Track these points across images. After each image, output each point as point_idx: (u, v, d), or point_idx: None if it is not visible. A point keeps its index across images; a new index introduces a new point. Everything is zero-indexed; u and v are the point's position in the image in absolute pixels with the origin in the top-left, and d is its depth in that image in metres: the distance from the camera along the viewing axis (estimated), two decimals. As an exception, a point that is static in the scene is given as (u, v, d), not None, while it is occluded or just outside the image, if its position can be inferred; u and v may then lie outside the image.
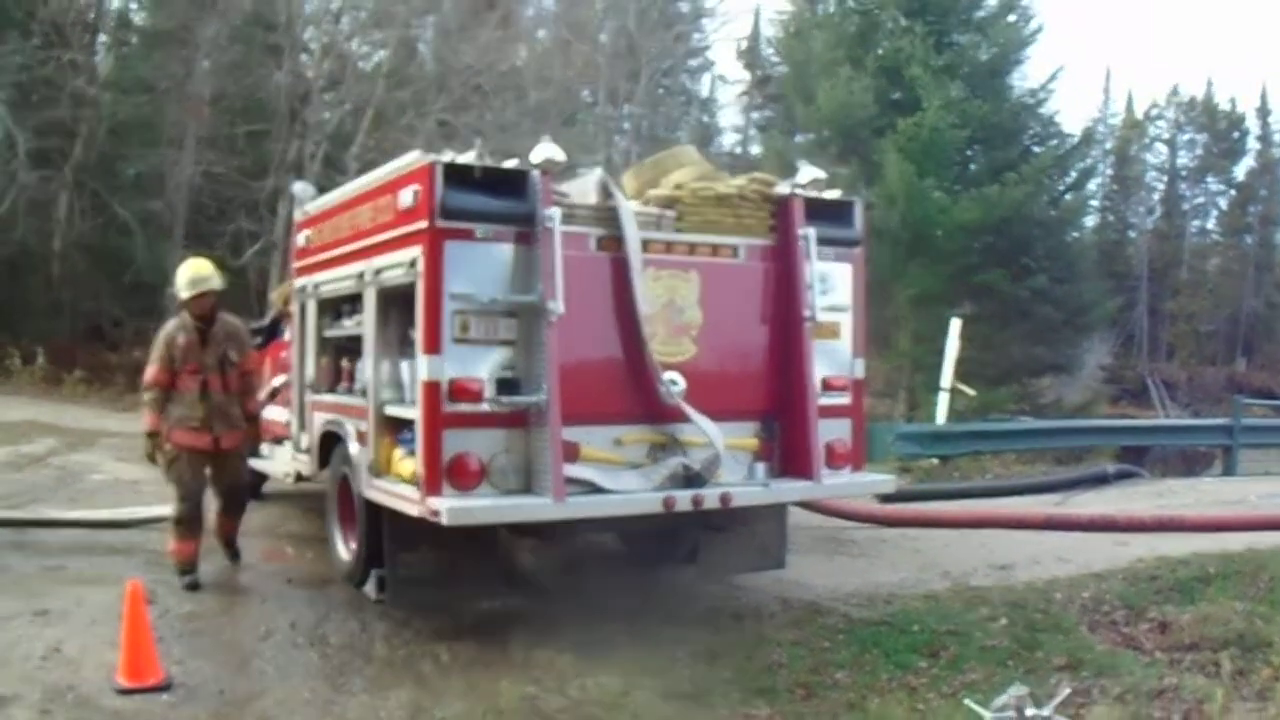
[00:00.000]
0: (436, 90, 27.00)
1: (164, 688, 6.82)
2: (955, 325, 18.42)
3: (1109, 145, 68.47)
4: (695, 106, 47.91)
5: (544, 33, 33.30)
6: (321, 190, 11.21)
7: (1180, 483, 18.76)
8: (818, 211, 8.78)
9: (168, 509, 9.29)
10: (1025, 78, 28.91)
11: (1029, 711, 5.33)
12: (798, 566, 10.19)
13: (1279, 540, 12.39)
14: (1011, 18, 28.27)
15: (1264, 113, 70.22)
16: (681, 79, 44.70)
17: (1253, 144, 70.22)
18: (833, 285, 8.87)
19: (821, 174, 8.97)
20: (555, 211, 7.48)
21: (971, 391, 18.68)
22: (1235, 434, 20.61)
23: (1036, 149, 27.69)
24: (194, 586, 8.93)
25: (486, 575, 8.47)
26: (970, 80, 26.29)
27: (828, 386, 8.81)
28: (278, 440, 11.08)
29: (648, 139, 32.29)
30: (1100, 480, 17.13)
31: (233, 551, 9.78)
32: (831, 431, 8.79)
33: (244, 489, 9.89)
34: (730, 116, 52.84)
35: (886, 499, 13.32)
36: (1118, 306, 40.86)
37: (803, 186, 8.80)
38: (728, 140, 50.69)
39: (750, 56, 48.76)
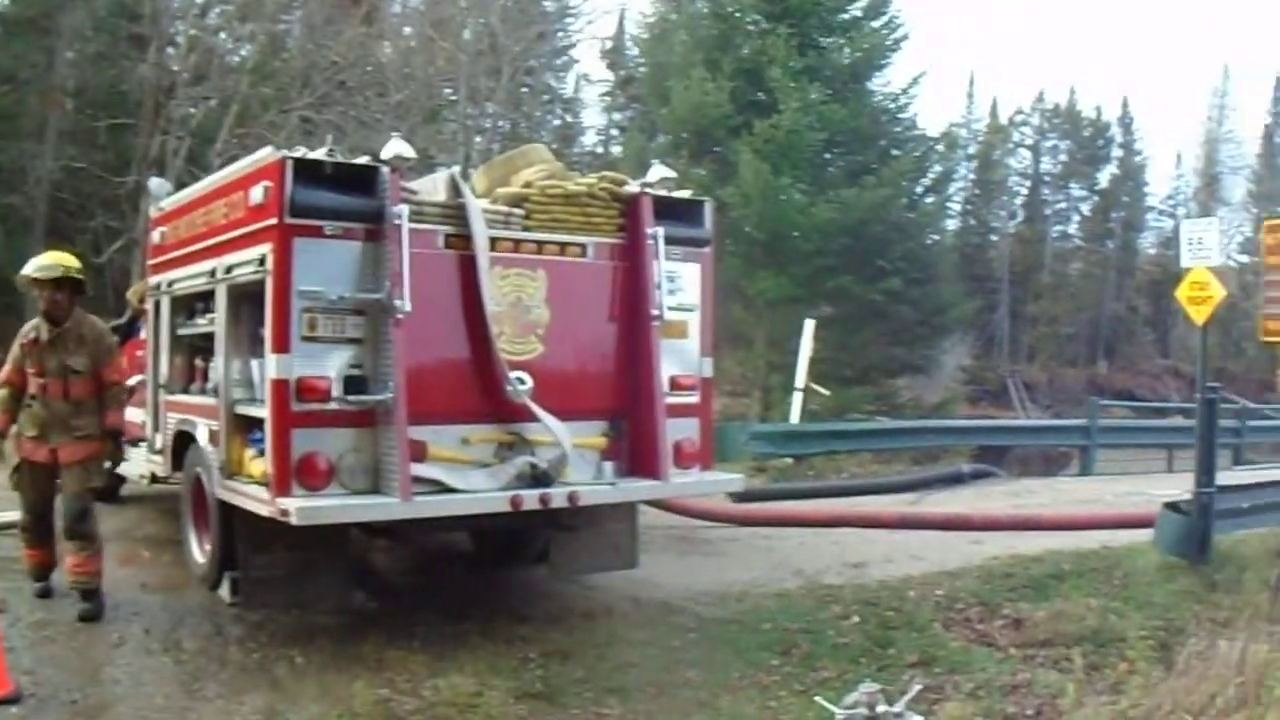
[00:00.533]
0: (301, 86, 26.66)
1: (13, 700, 6.73)
2: (809, 326, 18.71)
3: (972, 150, 69.65)
4: (558, 106, 47.82)
5: (409, 30, 33.08)
6: (181, 187, 11.16)
7: (1037, 482, 19.27)
8: (667, 211, 8.92)
9: (16, 515, 8.94)
10: (888, 82, 29.31)
11: (880, 708, 5.39)
12: (650, 565, 10.23)
13: (1133, 538, 12.71)
14: (876, 23, 28.69)
15: (1126, 120, 72.11)
16: (545, 78, 44.58)
17: (1116, 151, 71.96)
18: (681, 284, 9.00)
19: (671, 173, 9.10)
20: (403, 209, 7.56)
21: (826, 391, 18.94)
22: (1092, 435, 21.11)
23: (896, 152, 28.12)
24: (46, 594, 8.62)
25: (339, 576, 8.45)
26: (831, 83, 26.70)
27: (676, 385, 8.94)
28: (134, 442, 10.87)
29: (509, 137, 32.20)
30: (956, 480, 17.44)
31: (89, 605, 8.38)
32: (680, 430, 8.91)
33: (85, 516, 8.48)
34: (593, 116, 52.77)
35: (741, 498, 13.52)
36: (978, 309, 41.53)
37: (652, 186, 8.93)
38: (590, 140, 50.74)
39: (614, 56, 48.79)
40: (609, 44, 48.85)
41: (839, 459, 18.75)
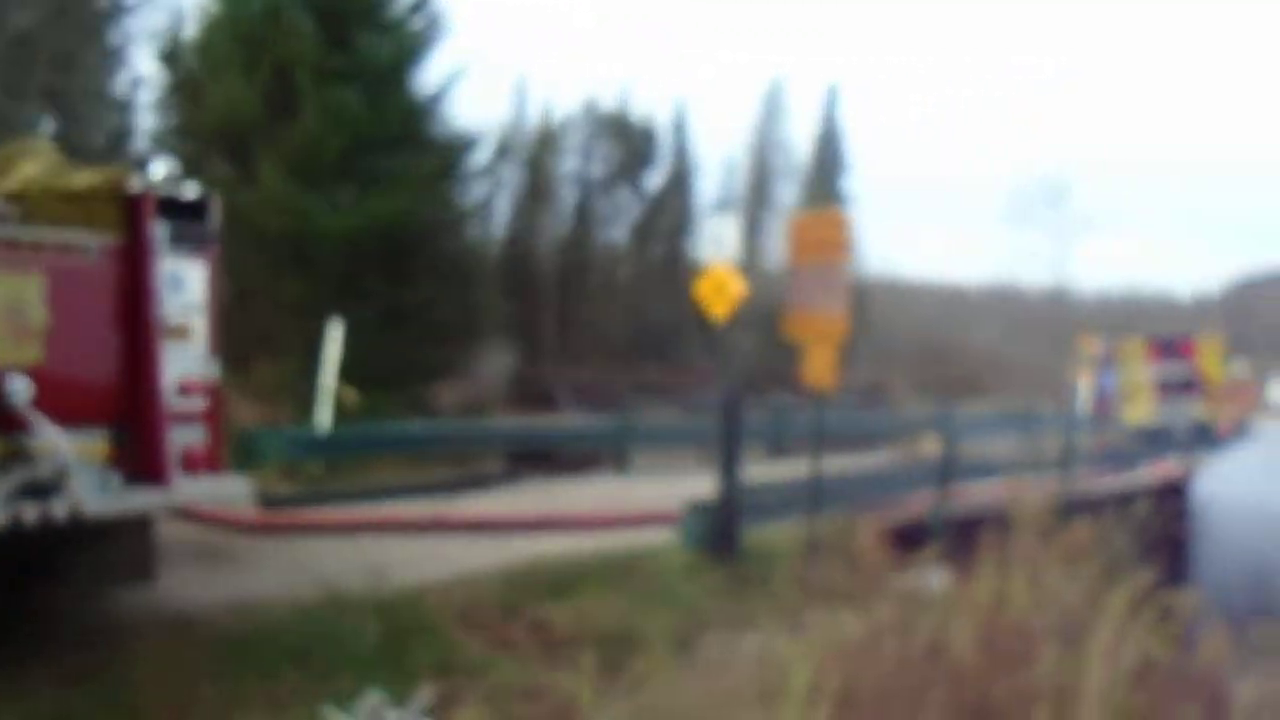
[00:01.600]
0: None
1: None
2: (336, 329, 18.82)
3: (522, 155, 70.76)
4: (108, 107, 46.01)
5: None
6: None
7: (571, 483, 19.78)
8: (170, 209, 8.92)
9: None
10: (425, 82, 29.46)
11: (389, 717, 5.50)
12: (171, 578, 10.07)
13: (658, 538, 13.34)
14: (413, 22, 28.81)
15: (677, 125, 74.66)
16: (98, 78, 42.73)
17: (664, 156, 74.45)
18: (186, 284, 9.01)
19: (175, 170, 9.12)
20: None
21: (355, 395, 19.02)
22: (628, 435, 21.95)
23: (429, 154, 28.33)
24: None
25: None
26: (365, 85, 26.71)
27: (181, 390, 8.94)
28: None
29: (56, 138, 30.84)
30: (489, 481, 17.92)
31: None
32: (187, 436, 8.93)
33: None
34: (146, 118, 50.94)
35: (268, 505, 13.55)
36: (526, 313, 42.37)
37: (155, 183, 8.92)
38: (141, 142, 49.04)
39: (168, 57, 47.29)
40: (164, 44, 47.37)
41: (372, 463, 18.89)
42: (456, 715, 7.70)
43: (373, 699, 5.52)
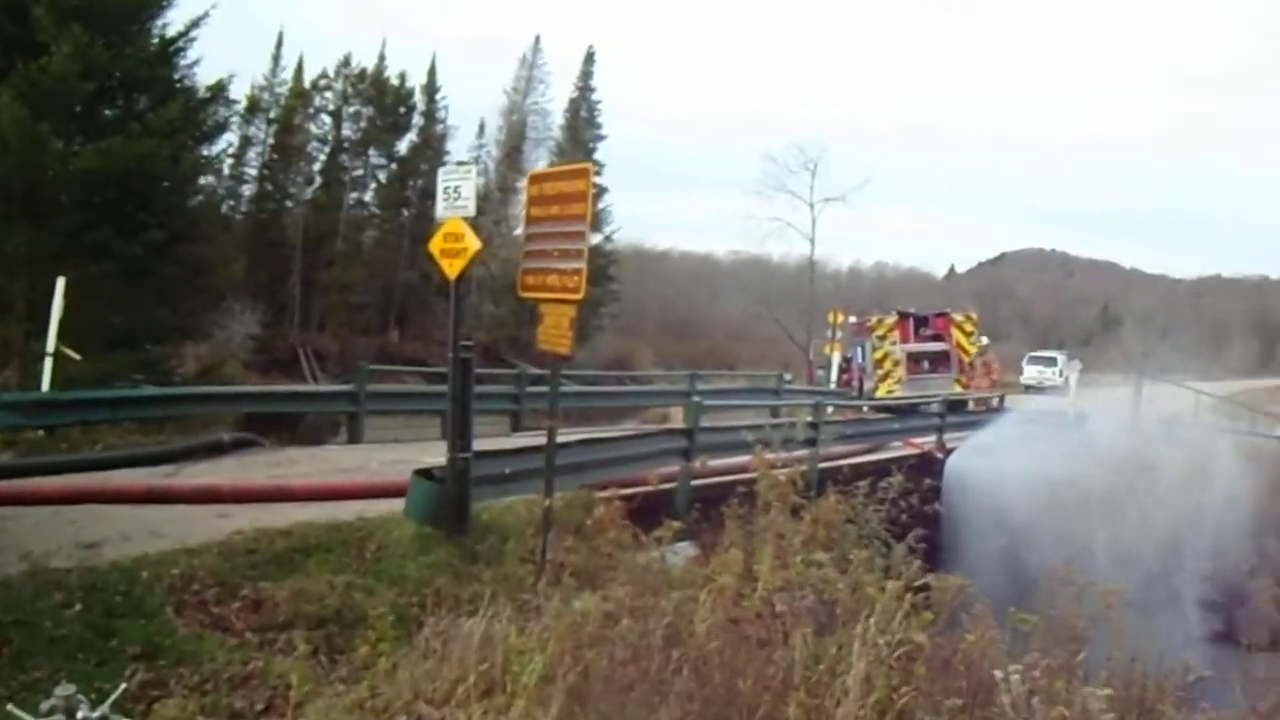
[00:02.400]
0: None
1: None
2: (60, 285, 17.62)
3: (274, 114, 69.20)
4: None
5: None
6: None
7: (303, 451, 19.00)
8: None
9: None
10: (165, 25, 28.29)
11: (80, 714, 4.98)
12: None
13: (392, 508, 12.73)
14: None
15: (431, 88, 73.84)
16: None
17: (417, 119, 73.67)
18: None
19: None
20: None
21: (77, 356, 18.00)
22: (361, 401, 21.21)
23: (171, 101, 27.08)
24: None
25: None
26: (104, 26, 25.47)
27: None
28: None
29: None
30: (217, 449, 17.10)
31: None
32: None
33: None
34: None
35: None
36: (271, 277, 41.40)
37: None
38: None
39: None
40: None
41: (97, 429, 17.85)
42: (162, 707, 7.18)
43: (60, 694, 4.91)
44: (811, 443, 19.18)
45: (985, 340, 36.54)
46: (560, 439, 12.93)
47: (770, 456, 11.51)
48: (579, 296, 11.71)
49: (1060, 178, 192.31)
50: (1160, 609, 15.69)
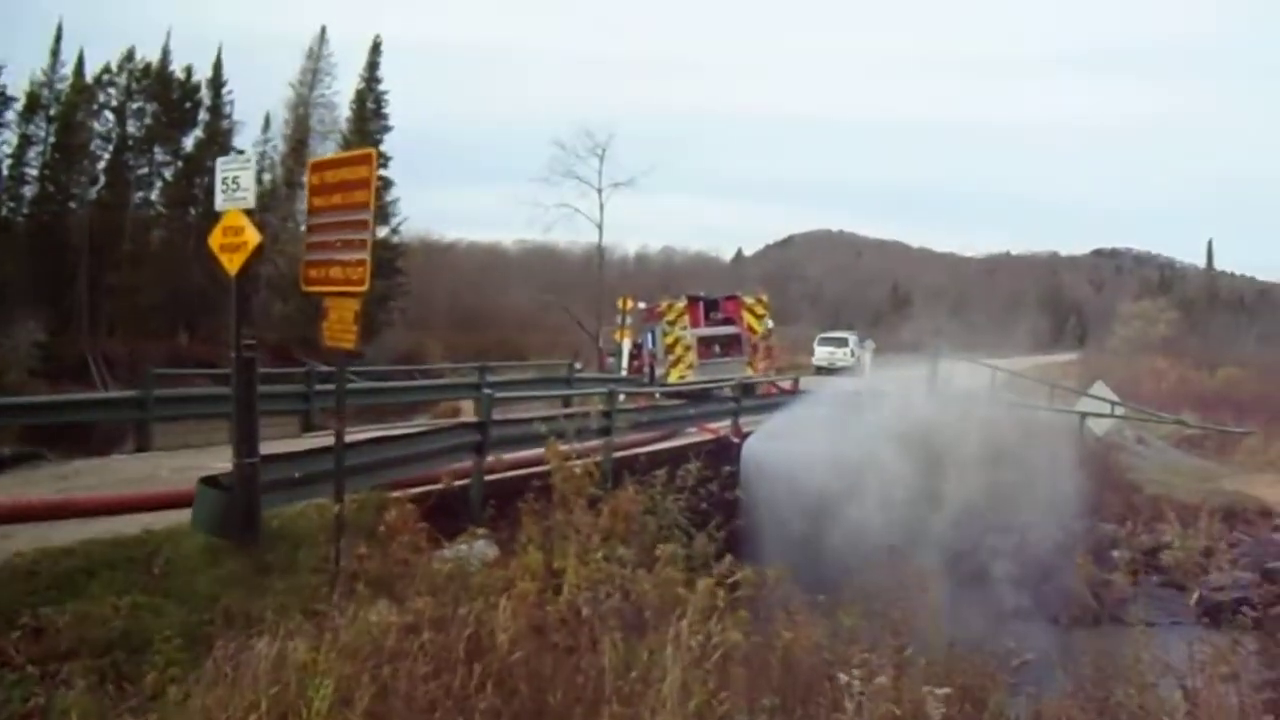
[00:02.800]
0: None
1: None
2: None
3: (54, 111, 66.89)
4: None
5: None
6: None
7: (89, 463, 18.26)
8: None
9: None
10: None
11: None
12: None
13: (179, 519, 12.28)
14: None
15: (217, 83, 72.19)
16: None
17: (203, 115, 72.03)
18: None
19: None
20: None
21: None
22: (149, 407, 20.54)
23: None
24: None
25: None
26: None
27: None
28: None
29: None
30: (-1, 464, 16.53)
31: None
32: None
33: None
34: None
35: None
36: (54, 281, 40.04)
37: None
38: None
39: None
40: None
41: None
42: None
43: None
44: (606, 432, 19.16)
45: (770, 324, 36.92)
46: (350, 438, 12.74)
47: (565, 448, 11.46)
48: (363, 289, 11.55)
49: (846, 159, 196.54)
50: (968, 587, 16.01)
